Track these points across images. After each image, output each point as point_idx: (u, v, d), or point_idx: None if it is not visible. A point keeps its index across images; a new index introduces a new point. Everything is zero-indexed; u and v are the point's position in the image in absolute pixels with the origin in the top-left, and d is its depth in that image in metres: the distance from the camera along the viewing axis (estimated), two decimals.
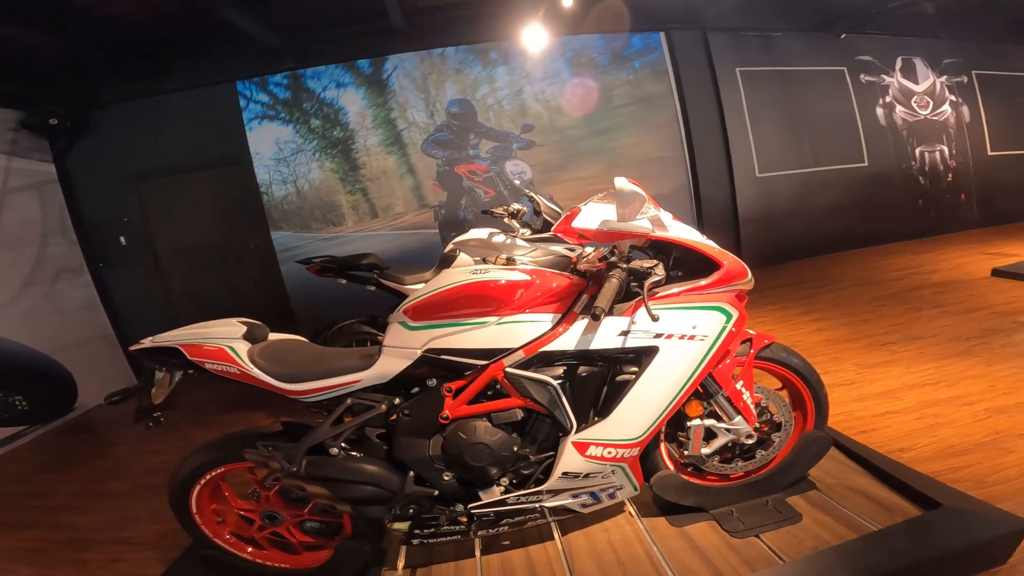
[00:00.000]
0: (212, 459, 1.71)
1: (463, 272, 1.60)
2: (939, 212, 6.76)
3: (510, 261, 3.02)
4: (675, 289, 1.58)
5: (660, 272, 1.44)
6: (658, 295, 1.57)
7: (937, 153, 6.72)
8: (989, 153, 6.91)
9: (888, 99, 6.53)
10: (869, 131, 6.45)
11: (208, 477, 1.72)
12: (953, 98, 6.75)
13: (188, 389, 1.72)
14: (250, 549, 1.87)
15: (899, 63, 6.55)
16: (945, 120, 6.73)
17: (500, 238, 3.14)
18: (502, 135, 5.66)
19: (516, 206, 3.32)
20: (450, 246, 3.33)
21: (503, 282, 1.56)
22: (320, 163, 5.45)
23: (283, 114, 5.31)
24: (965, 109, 6.80)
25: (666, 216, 1.56)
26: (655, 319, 1.38)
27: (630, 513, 1.97)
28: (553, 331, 1.55)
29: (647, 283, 1.42)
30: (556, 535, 1.92)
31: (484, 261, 3.00)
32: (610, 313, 1.50)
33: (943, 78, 6.71)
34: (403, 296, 3.25)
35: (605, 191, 1.61)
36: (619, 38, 5.76)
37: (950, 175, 6.77)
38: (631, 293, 1.54)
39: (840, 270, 5.52)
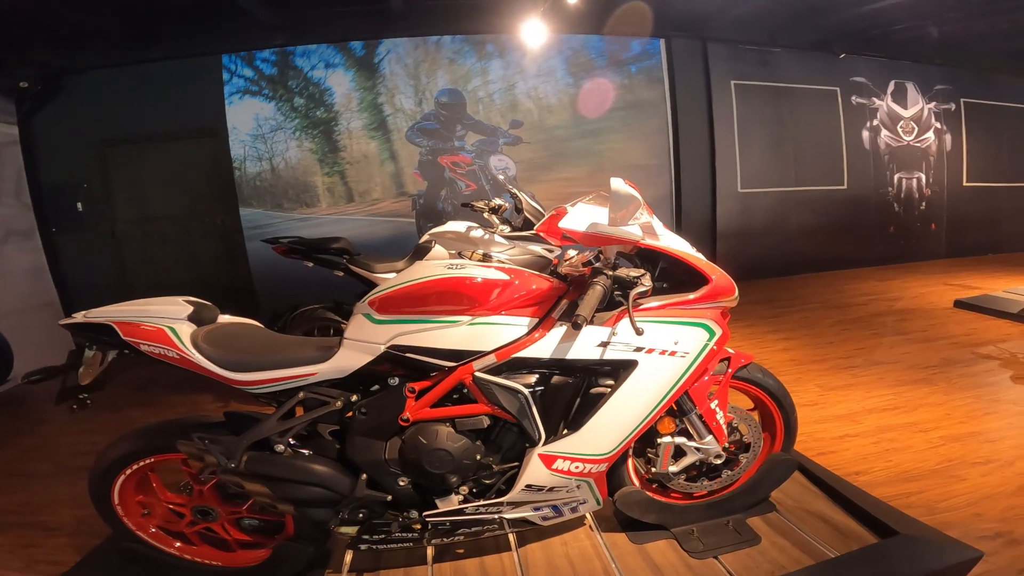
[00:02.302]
0: (141, 448, 1.57)
1: (438, 266, 1.49)
2: (908, 240, 6.91)
3: (486, 257, 2.93)
4: (660, 302, 1.50)
5: (647, 283, 1.35)
6: (642, 307, 1.49)
7: (914, 180, 6.85)
8: (964, 183, 7.07)
9: (875, 122, 6.62)
10: (852, 154, 6.54)
11: (135, 467, 1.59)
12: (938, 125, 6.88)
13: (129, 365, 1.60)
14: (178, 544, 1.74)
15: (891, 86, 6.63)
16: (927, 147, 6.86)
17: (478, 233, 3.05)
18: (489, 129, 5.57)
19: (497, 201, 3.24)
20: (425, 237, 3.24)
21: (479, 280, 1.45)
22: (299, 142, 5.29)
23: (266, 90, 5.16)
24: (948, 137, 6.94)
25: (658, 224, 1.48)
26: (640, 332, 1.29)
27: (590, 527, 1.93)
28: (529, 336, 1.45)
29: (632, 293, 1.33)
30: (513, 546, 1.85)
31: (460, 255, 2.93)
32: (591, 322, 1.41)
33: (932, 104, 6.82)
34: (371, 284, 3.14)
35: (595, 192, 1.52)
36: (619, 41, 5.72)
37: (924, 203, 6.92)
38: (613, 302, 1.46)
39: (809, 291, 5.63)
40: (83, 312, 1.49)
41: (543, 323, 1.47)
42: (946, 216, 6.99)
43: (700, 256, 1.54)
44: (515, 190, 3.17)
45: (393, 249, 3.47)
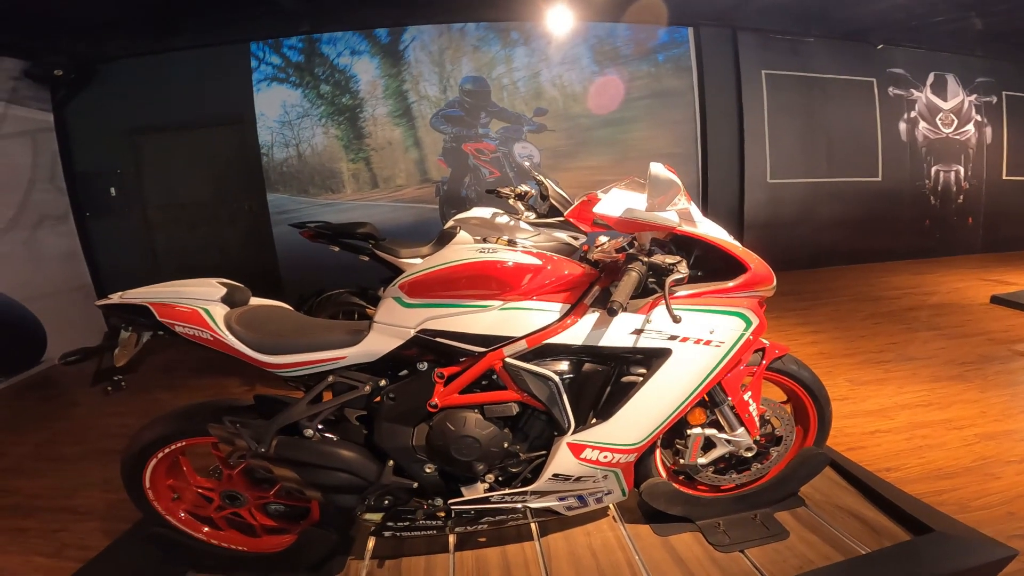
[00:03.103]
0: (173, 431, 1.57)
1: (469, 249, 1.47)
2: (944, 234, 6.70)
3: (511, 243, 2.91)
4: (695, 289, 1.46)
5: (683, 270, 1.31)
6: (677, 294, 1.45)
7: (952, 173, 6.63)
8: (1004, 177, 6.82)
9: (913, 114, 6.42)
10: (888, 145, 6.35)
11: (167, 450, 1.58)
12: (979, 118, 6.64)
13: (158, 348, 1.61)
14: (205, 529, 1.74)
15: (931, 78, 6.42)
16: (966, 140, 6.63)
17: (503, 219, 3.03)
18: (514, 116, 5.52)
19: (523, 188, 3.22)
20: (450, 223, 3.23)
21: (511, 264, 1.42)
22: (325, 129, 5.32)
23: (293, 77, 5.19)
24: (988, 130, 6.69)
25: (695, 211, 1.43)
26: (677, 320, 1.25)
27: (614, 518, 1.91)
28: (561, 322, 1.42)
29: (668, 281, 1.29)
30: (535, 536, 1.84)
31: (484, 241, 2.91)
32: (625, 309, 1.38)
33: (972, 96, 6.59)
34: (396, 269, 3.15)
35: (629, 178, 1.48)
36: (646, 29, 5.60)
37: (961, 197, 6.70)
38: (647, 289, 1.42)
39: (839, 284, 5.49)
40: (119, 293, 1.50)
41: (575, 309, 1.44)
42: (984, 210, 6.76)
43: (737, 244, 1.50)
44: (541, 177, 3.14)
45: (416, 235, 3.48)
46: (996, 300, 4.46)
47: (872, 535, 1.73)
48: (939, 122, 6.50)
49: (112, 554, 1.87)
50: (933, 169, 6.56)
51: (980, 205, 6.75)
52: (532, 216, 3.10)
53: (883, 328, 3.99)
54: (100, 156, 4.95)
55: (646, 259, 1.34)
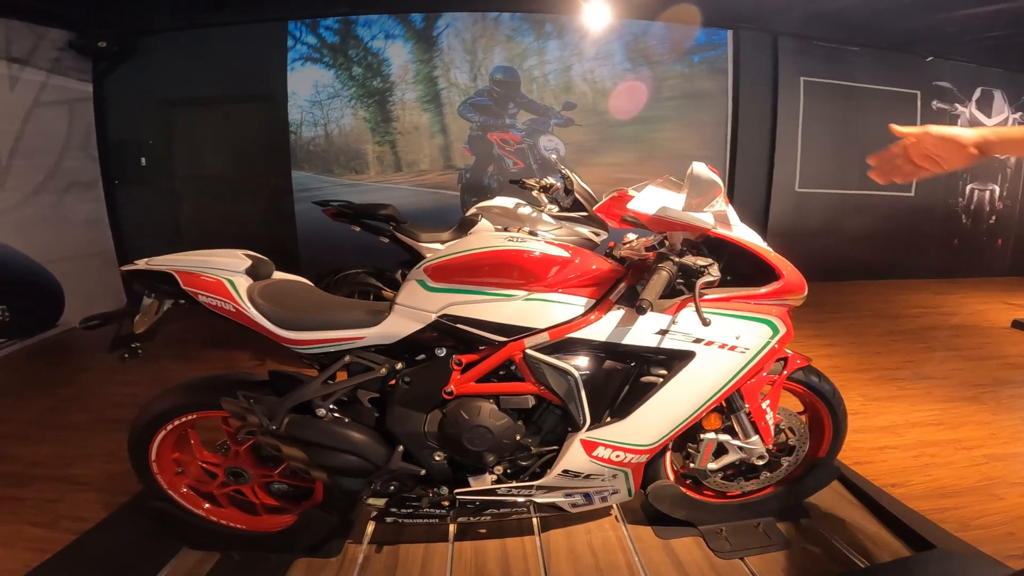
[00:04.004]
0: (186, 403, 1.56)
1: (497, 237, 1.45)
2: (971, 254, 6.55)
3: (532, 235, 2.90)
4: (725, 293, 1.42)
5: (715, 272, 1.28)
6: (706, 297, 1.41)
7: (987, 192, 6.47)
8: None
9: None
10: None
11: (177, 423, 1.57)
12: None
13: (170, 318, 1.58)
14: (206, 505, 1.72)
15: (977, 93, 6.23)
16: (1005, 159, 6.44)
17: (526, 210, 3.02)
18: (542, 109, 5.48)
19: (549, 180, 3.19)
20: (472, 210, 3.22)
21: (538, 255, 1.40)
22: (354, 110, 5.33)
23: (327, 58, 5.21)
24: None
25: (732, 213, 1.40)
26: (706, 323, 1.23)
27: (615, 518, 1.90)
28: (584, 317, 1.40)
29: (699, 283, 1.26)
30: (536, 531, 1.84)
31: (505, 231, 2.90)
32: (652, 308, 1.35)
33: (1017, 114, 6.39)
34: (415, 252, 3.16)
35: (663, 176, 1.45)
36: (683, 30, 5.51)
37: (993, 217, 6.54)
38: (674, 290, 1.39)
39: (860, 298, 5.41)
40: (145, 259, 1.50)
41: (600, 305, 1.42)
42: (1015, 232, 6.60)
43: (771, 250, 1.46)
44: (566, 171, 3.11)
45: (436, 220, 3.47)
46: (1017, 325, 4.40)
47: (873, 549, 1.73)
48: None
49: (107, 527, 1.85)
50: (968, 187, 6.40)
51: (1012, 227, 6.58)
52: (555, 209, 3.08)
53: (900, 346, 3.94)
54: (134, 127, 5.02)
55: (677, 259, 1.31)
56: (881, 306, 5.12)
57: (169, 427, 1.58)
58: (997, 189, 6.47)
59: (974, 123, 6.28)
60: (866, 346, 3.92)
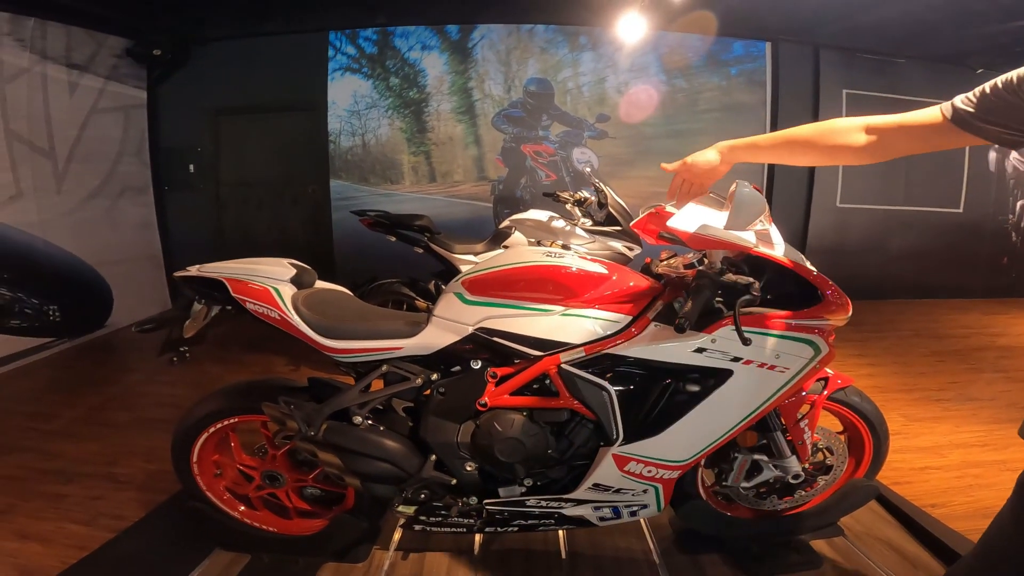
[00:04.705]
0: (229, 407, 1.61)
1: (535, 252, 1.46)
2: (1021, 273, 6.26)
3: (566, 248, 2.90)
4: (766, 313, 1.40)
5: (756, 292, 1.27)
6: (746, 316, 1.39)
7: None
8: None
9: None
10: (974, 176, 5.96)
11: (219, 425, 1.63)
12: None
13: (215, 323, 1.64)
14: (241, 508, 1.77)
15: None
16: None
17: (559, 223, 3.03)
18: (575, 121, 5.48)
19: (584, 194, 3.20)
20: (506, 222, 3.24)
21: (576, 271, 1.42)
22: (391, 120, 5.44)
23: (366, 68, 5.33)
24: None
25: (775, 232, 1.38)
26: (747, 343, 1.21)
27: (644, 533, 1.89)
28: (621, 334, 1.40)
29: (739, 302, 1.25)
30: (562, 544, 1.83)
31: (539, 244, 2.91)
32: (691, 327, 1.34)
33: None
34: (450, 263, 3.19)
35: (704, 193, 1.44)
36: (720, 42, 5.46)
37: None
38: (713, 309, 1.38)
39: (903, 318, 5.25)
40: (197, 266, 1.56)
41: (637, 321, 1.42)
42: None
43: (814, 269, 1.43)
44: (601, 184, 3.11)
45: (469, 231, 3.52)
46: None
47: (910, 569, 1.69)
48: None
49: (143, 526, 1.91)
50: (1019, 204, 6.13)
51: None
52: (588, 223, 3.08)
53: (946, 366, 3.83)
54: (184, 134, 5.20)
55: (717, 278, 1.30)
56: (926, 326, 4.96)
57: (212, 429, 1.63)
58: None
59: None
60: (909, 366, 3.81)
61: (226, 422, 1.63)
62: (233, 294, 1.49)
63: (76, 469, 2.32)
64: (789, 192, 5.69)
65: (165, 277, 5.07)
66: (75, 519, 1.98)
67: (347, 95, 5.34)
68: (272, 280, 1.52)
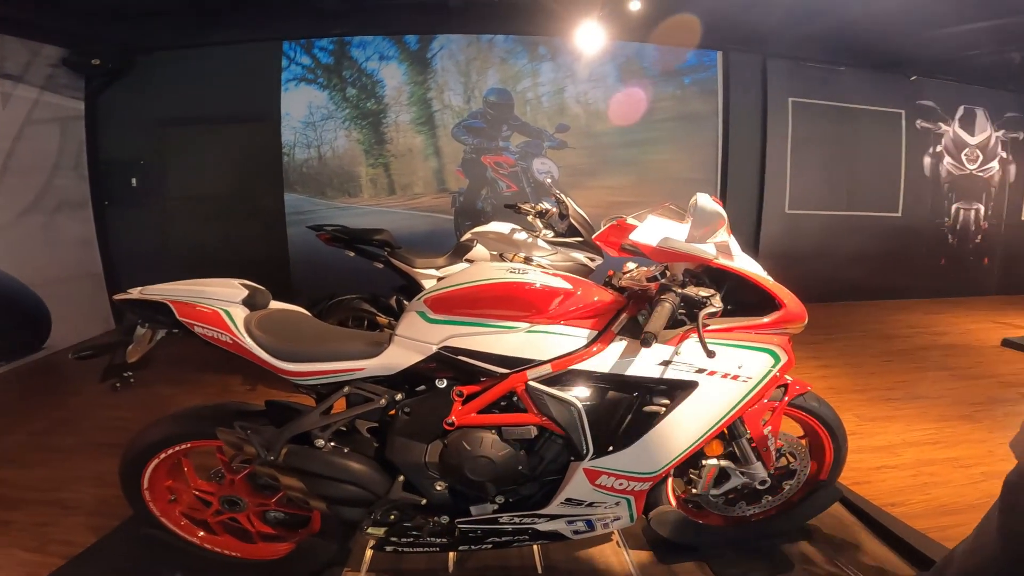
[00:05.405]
0: (180, 432, 1.54)
1: (498, 269, 1.45)
2: (959, 274, 6.62)
3: (527, 261, 2.89)
4: (726, 324, 1.43)
5: (717, 304, 1.29)
6: (708, 328, 1.42)
7: (972, 212, 6.55)
8: (1023, 218, 6.75)
9: (938, 148, 6.33)
10: (911, 180, 6.28)
11: (170, 452, 1.55)
12: (1004, 155, 6.54)
13: (164, 342, 1.56)
14: (200, 533, 1.70)
15: (960, 111, 6.33)
16: (990, 177, 6.54)
17: (521, 235, 3.03)
18: (535, 131, 5.52)
19: (544, 205, 3.21)
20: (467, 235, 3.22)
21: (540, 287, 1.41)
22: (348, 132, 5.34)
23: (321, 79, 5.22)
24: (1012, 168, 6.60)
25: (734, 244, 1.41)
26: (711, 355, 1.23)
27: (617, 543, 1.90)
28: (587, 349, 1.40)
29: (702, 314, 1.27)
30: (537, 559, 1.83)
31: (501, 257, 2.91)
32: (656, 340, 1.35)
33: (1000, 132, 6.49)
34: (410, 277, 3.15)
35: (663, 205, 1.46)
36: (675, 52, 5.60)
37: (979, 236, 6.62)
38: (676, 321, 1.40)
39: (852, 319, 5.47)
40: (139, 288, 1.48)
41: (602, 336, 1.42)
42: (1000, 251, 6.70)
43: (771, 279, 1.47)
44: (563, 196, 3.13)
45: (429, 244, 3.48)
46: (1007, 343, 4.48)
47: (877, 569, 1.74)
48: (964, 158, 6.40)
49: (97, 552, 1.84)
50: (954, 207, 6.48)
51: (997, 246, 6.68)
52: (550, 234, 3.09)
53: (894, 366, 4.00)
54: (126, 146, 4.98)
55: (680, 290, 1.31)
56: (874, 327, 5.18)
57: (163, 455, 1.56)
58: (982, 208, 6.57)
59: (957, 142, 6.39)
60: (860, 367, 3.97)
61: (179, 447, 1.56)
62: (179, 318, 1.41)
63: (21, 496, 2.23)
64: (741, 199, 5.86)
65: (107, 296, 4.80)
66: (23, 545, 1.92)
67: (302, 106, 5.21)
68: (222, 302, 1.45)
